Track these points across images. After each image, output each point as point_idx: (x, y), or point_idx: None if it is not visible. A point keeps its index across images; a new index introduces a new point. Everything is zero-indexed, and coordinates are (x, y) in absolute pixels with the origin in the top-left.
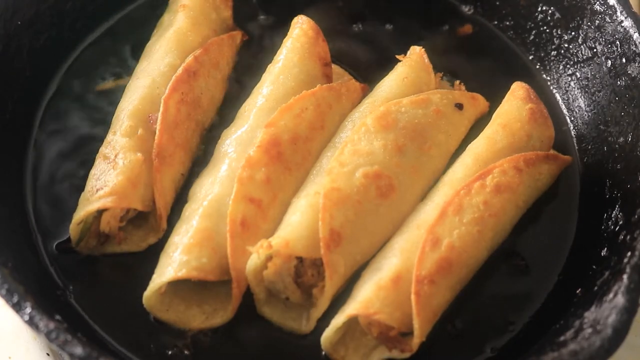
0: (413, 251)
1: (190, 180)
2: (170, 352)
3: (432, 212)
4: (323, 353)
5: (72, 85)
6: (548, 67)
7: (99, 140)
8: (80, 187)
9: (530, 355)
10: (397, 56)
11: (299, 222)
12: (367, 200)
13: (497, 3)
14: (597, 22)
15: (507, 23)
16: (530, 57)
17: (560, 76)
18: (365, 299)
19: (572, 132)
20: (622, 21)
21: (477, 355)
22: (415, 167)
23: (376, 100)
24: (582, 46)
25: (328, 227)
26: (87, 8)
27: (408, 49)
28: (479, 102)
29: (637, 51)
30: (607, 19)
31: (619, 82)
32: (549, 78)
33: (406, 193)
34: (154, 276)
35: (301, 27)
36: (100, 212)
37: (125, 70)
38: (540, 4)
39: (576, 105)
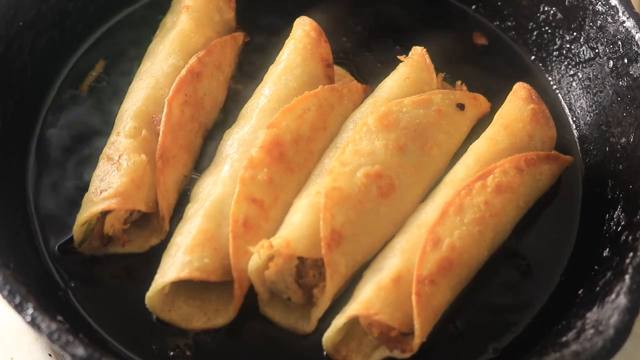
0: (414, 251)
1: (192, 180)
2: (172, 353)
3: (433, 212)
4: (324, 353)
5: (74, 86)
6: (550, 68)
7: (102, 141)
8: (82, 188)
9: (533, 356)
10: (399, 56)
11: (300, 222)
12: (368, 200)
13: (499, 3)
14: (599, 22)
15: (509, 23)
16: (532, 58)
17: (562, 77)
18: (365, 300)
19: (574, 133)
20: (624, 22)
21: (479, 355)
22: (416, 167)
23: (378, 101)
24: (584, 47)
25: (329, 227)
26: (89, 9)
27: (410, 49)
28: (481, 103)
29: (639, 52)
30: (609, 20)
31: (621, 83)
32: (550, 78)
33: (407, 193)
34: (156, 276)
35: (303, 28)
36: (103, 214)
37: (125, 70)
38: (542, 5)
39: (578, 105)
